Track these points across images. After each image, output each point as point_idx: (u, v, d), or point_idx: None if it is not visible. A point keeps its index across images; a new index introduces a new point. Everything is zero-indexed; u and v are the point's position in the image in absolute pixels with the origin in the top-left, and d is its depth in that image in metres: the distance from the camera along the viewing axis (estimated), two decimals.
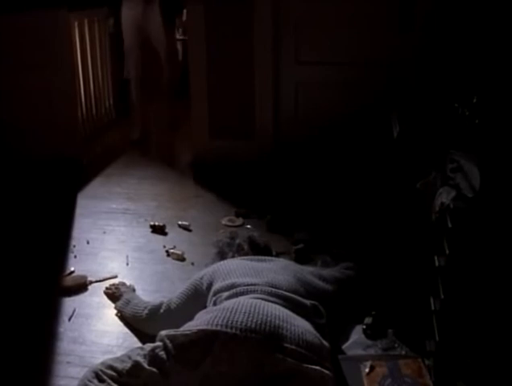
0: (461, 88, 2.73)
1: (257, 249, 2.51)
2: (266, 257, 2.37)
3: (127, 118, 5.12)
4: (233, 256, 2.43)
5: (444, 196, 2.20)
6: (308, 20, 3.93)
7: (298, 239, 2.96)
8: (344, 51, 3.90)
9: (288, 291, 2.05)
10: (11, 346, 2.24)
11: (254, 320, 1.79)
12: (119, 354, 1.94)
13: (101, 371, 1.79)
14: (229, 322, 1.78)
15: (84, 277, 2.69)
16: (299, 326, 1.85)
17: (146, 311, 2.29)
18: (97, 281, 2.67)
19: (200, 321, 1.85)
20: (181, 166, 4.41)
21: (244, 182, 3.85)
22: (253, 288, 2.03)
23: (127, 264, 2.86)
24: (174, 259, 2.89)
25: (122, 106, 5.26)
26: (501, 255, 2.09)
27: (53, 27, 4.06)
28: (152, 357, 1.79)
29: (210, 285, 2.17)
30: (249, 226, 3.21)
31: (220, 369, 1.75)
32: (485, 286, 2.01)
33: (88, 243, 3.07)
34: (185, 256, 2.89)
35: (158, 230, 3.19)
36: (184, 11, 5.27)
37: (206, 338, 1.76)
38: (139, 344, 2.12)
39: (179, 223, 3.25)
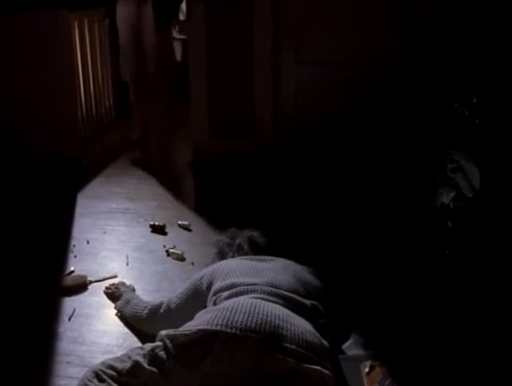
0: (461, 88, 2.73)
1: (257, 249, 2.51)
2: (266, 257, 2.37)
3: (127, 118, 5.12)
4: (233, 256, 2.43)
5: (444, 196, 2.21)
6: (308, 20, 3.93)
7: None
8: (344, 51, 3.90)
9: (288, 291, 2.05)
10: (11, 346, 2.24)
11: (254, 320, 1.79)
12: (119, 354, 1.94)
13: (101, 370, 1.79)
14: (229, 322, 1.78)
15: (84, 277, 2.69)
16: (299, 326, 1.85)
17: (146, 311, 2.29)
18: (96, 281, 2.67)
19: (200, 321, 1.85)
20: (181, 166, 4.41)
21: (243, 183, 3.85)
22: (253, 288, 2.03)
23: (127, 264, 2.86)
24: (174, 259, 2.89)
25: (122, 106, 5.26)
26: (500, 254, 2.10)
27: (53, 27, 4.06)
28: (152, 357, 1.79)
29: (210, 285, 2.17)
30: None
31: (220, 369, 1.75)
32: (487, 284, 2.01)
33: (88, 243, 3.07)
34: (185, 256, 2.89)
35: (159, 230, 3.19)
36: (180, 10, 5.28)
37: (206, 338, 1.76)
38: (139, 344, 2.12)
39: (179, 223, 3.25)
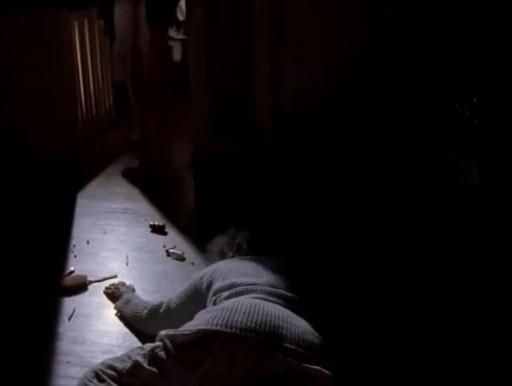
0: (461, 88, 2.73)
1: (257, 249, 2.51)
2: (266, 257, 2.37)
3: (127, 118, 5.12)
4: (233, 256, 2.43)
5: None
6: (309, 20, 3.93)
7: None
8: (344, 51, 3.89)
9: (288, 291, 2.05)
10: (11, 346, 2.24)
11: (254, 320, 1.79)
12: (119, 354, 1.94)
13: (101, 370, 1.79)
14: (229, 321, 1.78)
15: (84, 277, 2.69)
16: (299, 326, 1.85)
17: (145, 311, 2.29)
18: (96, 281, 2.67)
19: (200, 321, 1.85)
20: (181, 166, 4.41)
21: (243, 182, 3.85)
22: (253, 288, 2.03)
23: (127, 264, 2.86)
24: (174, 259, 2.88)
25: (122, 106, 5.25)
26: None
27: (53, 27, 4.06)
28: (152, 357, 1.79)
29: (210, 285, 2.17)
30: None
31: (220, 369, 1.75)
32: None
33: (88, 243, 3.07)
34: (185, 256, 2.89)
35: (158, 230, 3.19)
36: (180, 10, 5.27)
37: (206, 338, 1.76)
38: (139, 344, 2.12)
39: (180, 223, 3.25)
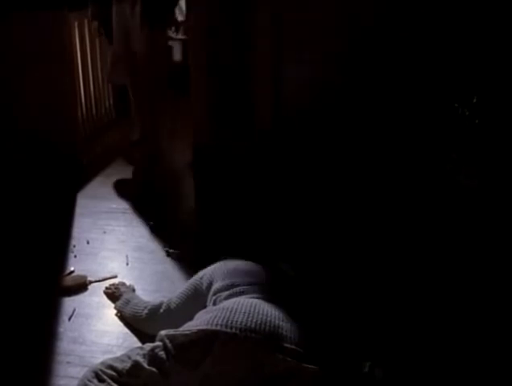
0: (461, 88, 2.73)
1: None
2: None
3: (127, 118, 5.11)
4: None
5: None
6: (310, 19, 3.92)
7: None
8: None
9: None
10: (11, 346, 2.24)
11: (254, 320, 1.79)
12: (119, 354, 1.94)
13: (101, 370, 1.79)
14: (229, 322, 1.78)
15: (84, 277, 2.69)
16: (299, 325, 1.85)
17: (145, 311, 2.29)
18: (96, 281, 2.67)
19: (200, 321, 1.85)
20: (181, 166, 4.41)
21: (243, 182, 3.85)
22: (252, 287, 2.03)
23: (127, 264, 2.86)
24: (174, 259, 2.88)
25: (122, 106, 5.25)
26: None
27: (53, 27, 4.06)
28: (152, 357, 1.79)
29: (210, 285, 2.17)
30: None
31: (220, 369, 1.75)
32: None
33: (88, 243, 3.07)
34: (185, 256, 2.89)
35: (158, 230, 3.19)
36: (180, 10, 5.25)
37: (206, 338, 1.76)
38: (139, 344, 2.12)
39: (180, 223, 3.25)
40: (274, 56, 4.01)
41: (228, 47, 4.05)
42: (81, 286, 2.64)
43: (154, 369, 1.77)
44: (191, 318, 1.94)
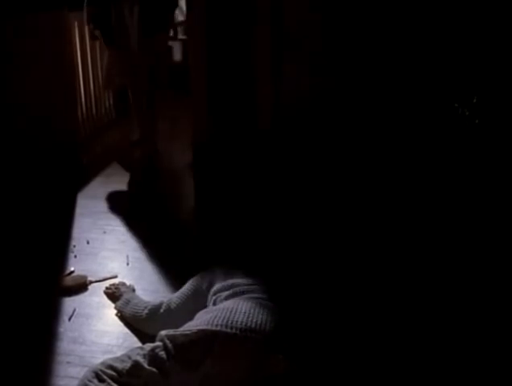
0: (461, 88, 2.73)
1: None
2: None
3: (127, 118, 5.11)
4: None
5: None
6: (309, 19, 3.93)
7: None
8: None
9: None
10: (11, 346, 2.24)
11: (254, 320, 1.79)
12: (119, 354, 1.94)
13: (101, 370, 1.79)
14: (229, 322, 1.78)
15: (84, 277, 2.68)
16: (298, 325, 1.85)
17: (146, 311, 2.29)
18: (96, 281, 2.67)
19: (200, 321, 1.85)
20: (181, 166, 4.41)
21: (243, 182, 3.85)
22: (252, 288, 2.03)
23: (127, 264, 2.86)
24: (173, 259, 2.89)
25: (122, 106, 5.25)
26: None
27: (53, 27, 4.06)
28: (152, 357, 1.79)
29: (210, 285, 2.17)
30: None
31: (220, 369, 1.75)
32: None
33: (88, 243, 3.07)
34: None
35: (158, 230, 3.19)
36: (178, 10, 5.25)
37: (206, 338, 1.76)
38: (139, 344, 2.12)
39: (180, 223, 3.25)
40: (274, 56, 4.02)
41: (228, 47, 4.05)
42: (81, 286, 2.63)
43: (154, 369, 1.77)
44: (191, 318, 1.94)
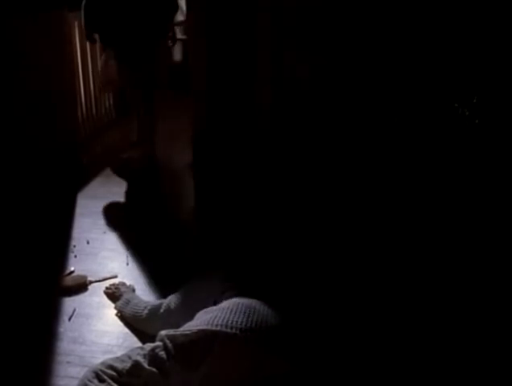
0: (461, 88, 2.73)
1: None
2: None
3: (127, 118, 5.11)
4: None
5: None
6: (309, 18, 3.92)
7: None
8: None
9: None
10: (11, 346, 2.24)
11: (254, 320, 1.79)
12: (119, 354, 1.94)
13: (101, 371, 1.79)
14: (229, 322, 1.78)
15: (84, 277, 2.69)
16: (298, 325, 1.85)
17: (146, 311, 2.29)
18: (96, 281, 2.67)
19: (200, 321, 1.85)
20: (181, 166, 4.41)
21: (243, 182, 3.84)
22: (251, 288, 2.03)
23: (127, 264, 2.86)
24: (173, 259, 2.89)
25: (122, 106, 5.25)
26: None
27: (53, 27, 4.06)
28: (152, 357, 1.79)
29: (210, 285, 2.17)
30: None
31: (220, 369, 1.75)
32: None
33: (88, 243, 3.08)
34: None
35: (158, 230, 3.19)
36: (180, 9, 5.25)
37: (206, 338, 1.76)
38: (139, 344, 2.12)
39: (180, 223, 3.25)
40: (275, 55, 4.01)
41: (228, 47, 4.05)
42: (81, 286, 2.64)
43: (154, 369, 1.77)
44: (191, 318, 1.94)
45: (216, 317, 1.81)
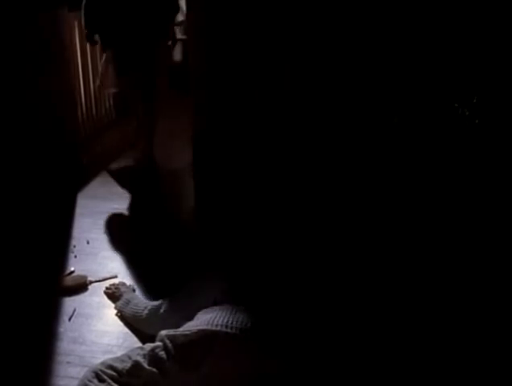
0: (461, 88, 2.73)
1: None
2: None
3: (127, 118, 5.11)
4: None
5: None
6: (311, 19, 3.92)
7: None
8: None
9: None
10: (11, 347, 2.24)
11: (255, 320, 1.79)
12: (119, 354, 1.94)
13: (101, 371, 1.79)
14: (229, 322, 1.78)
15: (84, 277, 2.69)
16: (298, 326, 1.85)
17: (146, 311, 2.29)
18: (96, 281, 2.67)
19: (200, 321, 1.85)
20: (181, 165, 4.41)
21: (244, 182, 3.84)
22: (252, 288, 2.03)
23: (127, 264, 2.86)
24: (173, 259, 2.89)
25: (122, 106, 5.25)
26: None
27: (53, 27, 4.06)
28: (152, 357, 1.80)
29: (210, 285, 2.17)
30: None
31: (220, 369, 1.75)
32: None
33: (88, 243, 3.08)
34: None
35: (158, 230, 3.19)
36: (180, 10, 5.24)
37: (206, 338, 1.76)
38: (139, 344, 2.12)
39: (180, 223, 3.25)
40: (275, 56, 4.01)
41: (228, 47, 4.05)
42: (81, 286, 2.64)
43: (154, 369, 1.77)
44: (191, 318, 1.94)
45: (216, 317, 1.81)
